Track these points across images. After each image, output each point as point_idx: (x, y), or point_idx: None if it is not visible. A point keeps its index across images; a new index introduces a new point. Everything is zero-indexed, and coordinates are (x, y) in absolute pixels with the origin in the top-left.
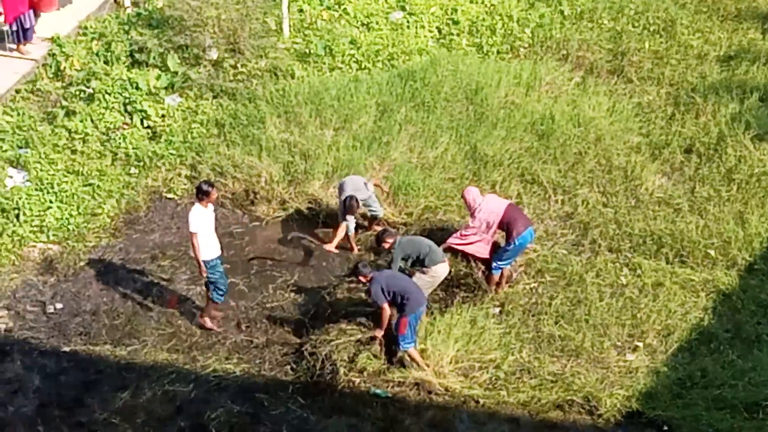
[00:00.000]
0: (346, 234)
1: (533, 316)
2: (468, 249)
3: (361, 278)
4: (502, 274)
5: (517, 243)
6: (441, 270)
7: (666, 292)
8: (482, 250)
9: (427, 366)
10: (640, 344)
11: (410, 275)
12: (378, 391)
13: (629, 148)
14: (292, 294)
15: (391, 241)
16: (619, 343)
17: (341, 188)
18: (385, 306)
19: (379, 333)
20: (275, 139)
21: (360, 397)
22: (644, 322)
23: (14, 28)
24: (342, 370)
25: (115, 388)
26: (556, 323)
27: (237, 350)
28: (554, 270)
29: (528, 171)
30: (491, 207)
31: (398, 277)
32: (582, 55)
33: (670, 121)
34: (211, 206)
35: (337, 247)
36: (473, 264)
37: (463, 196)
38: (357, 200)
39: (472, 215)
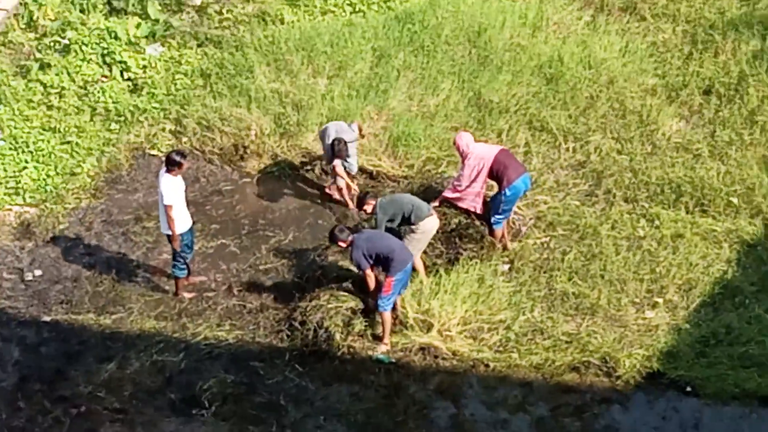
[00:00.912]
0: (338, 189)
1: (545, 272)
2: (460, 204)
3: (340, 244)
4: (504, 227)
5: (508, 193)
6: (429, 224)
7: (686, 244)
8: (474, 204)
9: (392, 333)
10: (660, 300)
11: (401, 238)
12: (381, 356)
13: (644, 90)
14: (287, 255)
15: (373, 203)
16: (637, 300)
17: (324, 133)
18: (368, 271)
19: (371, 301)
20: (265, 90)
21: (361, 363)
22: (664, 276)
23: None
24: (338, 336)
25: (99, 359)
26: (569, 280)
27: (229, 316)
28: (566, 223)
29: (536, 117)
30: (480, 153)
31: (378, 237)
32: None
33: (687, 60)
34: (179, 176)
35: (339, 191)
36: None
37: (454, 142)
38: (345, 142)
39: (463, 162)
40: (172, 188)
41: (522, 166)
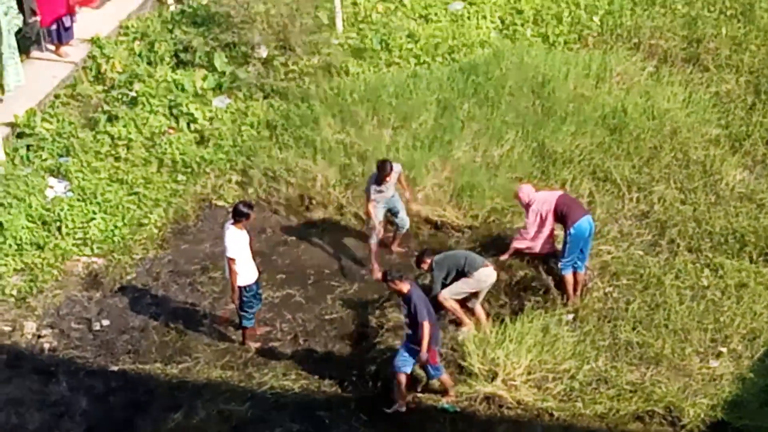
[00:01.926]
0: (370, 248)
1: (609, 322)
2: (532, 251)
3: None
4: (577, 279)
5: (573, 231)
6: (484, 274)
7: (750, 294)
8: (547, 247)
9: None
10: (724, 350)
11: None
12: (446, 405)
13: (707, 140)
14: (352, 305)
15: (428, 261)
16: (701, 349)
17: (368, 183)
18: (426, 323)
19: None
20: (330, 141)
21: (426, 412)
22: (728, 325)
23: (53, 27)
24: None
25: (166, 408)
26: (633, 329)
27: (295, 366)
28: (630, 272)
29: (600, 168)
30: (543, 198)
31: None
32: (655, 43)
33: (751, 111)
34: (244, 229)
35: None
36: (541, 268)
37: (515, 195)
38: (391, 164)
39: (526, 210)
40: (237, 241)
41: (584, 207)
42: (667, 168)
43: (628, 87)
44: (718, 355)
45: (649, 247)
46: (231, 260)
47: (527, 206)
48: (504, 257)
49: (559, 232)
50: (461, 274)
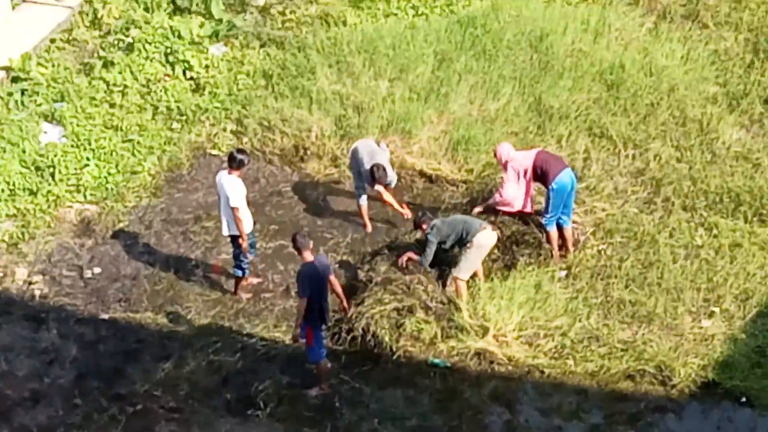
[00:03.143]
0: (359, 208)
1: (602, 279)
2: (509, 209)
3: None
4: (564, 235)
5: (555, 187)
6: (483, 238)
7: (744, 254)
8: (524, 205)
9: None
10: (717, 309)
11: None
12: (437, 360)
13: (705, 98)
14: (345, 257)
15: (427, 225)
16: (693, 309)
17: (354, 156)
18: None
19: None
20: (326, 91)
21: (417, 367)
22: (721, 285)
23: None
24: (387, 339)
25: (156, 358)
26: (626, 287)
27: (286, 317)
28: (624, 230)
29: (596, 124)
30: (521, 156)
31: None
32: None
33: (749, 69)
34: (240, 178)
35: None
36: (532, 223)
37: (495, 153)
38: (384, 168)
39: (504, 169)
40: (237, 189)
41: (563, 161)
42: (663, 125)
43: (627, 43)
44: (711, 314)
45: (644, 204)
46: (235, 209)
47: (505, 165)
48: (477, 210)
49: (540, 196)
50: (460, 241)
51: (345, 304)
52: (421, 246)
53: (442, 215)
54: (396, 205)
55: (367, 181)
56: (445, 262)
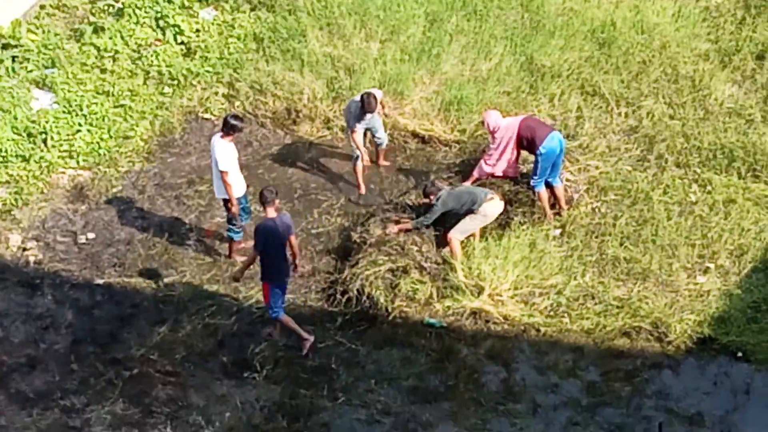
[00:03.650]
0: (354, 170)
1: (596, 237)
2: (496, 171)
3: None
4: (556, 194)
5: (544, 151)
6: (490, 207)
7: (738, 210)
8: (510, 171)
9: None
10: (712, 266)
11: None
12: (432, 320)
13: (696, 55)
14: (339, 219)
15: (434, 196)
16: (688, 265)
17: (349, 107)
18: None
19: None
20: (317, 54)
21: (413, 327)
22: (715, 241)
23: None
24: (382, 300)
25: (152, 322)
26: (621, 245)
27: None
28: (618, 188)
29: (588, 82)
30: (506, 123)
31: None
32: None
33: (741, 25)
34: (232, 141)
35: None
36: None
37: (483, 121)
38: (375, 97)
39: (492, 136)
40: (227, 154)
41: (548, 125)
42: (655, 83)
43: (618, 1)
44: (706, 270)
45: (637, 162)
46: (224, 173)
47: (492, 133)
48: (469, 181)
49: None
50: (468, 212)
51: (297, 261)
52: (414, 209)
53: (434, 175)
54: (360, 178)
55: (356, 115)
56: (440, 223)
